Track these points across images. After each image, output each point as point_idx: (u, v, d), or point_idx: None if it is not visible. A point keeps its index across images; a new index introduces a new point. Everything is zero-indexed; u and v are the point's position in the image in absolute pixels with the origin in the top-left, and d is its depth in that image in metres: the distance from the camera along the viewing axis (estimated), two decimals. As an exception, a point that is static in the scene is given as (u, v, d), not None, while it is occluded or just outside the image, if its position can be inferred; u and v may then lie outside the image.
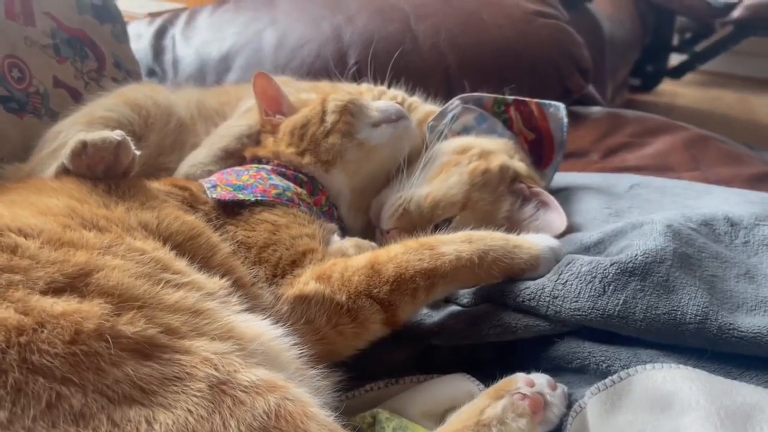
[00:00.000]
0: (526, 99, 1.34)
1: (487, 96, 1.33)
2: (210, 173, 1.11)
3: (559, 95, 1.78)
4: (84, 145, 0.89)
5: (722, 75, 4.79)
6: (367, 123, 1.14)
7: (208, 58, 1.86)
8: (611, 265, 0.86)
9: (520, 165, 1.19)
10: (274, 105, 1.19)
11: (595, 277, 0.86)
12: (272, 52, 1.79)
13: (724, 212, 1.07)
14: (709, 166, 1.48)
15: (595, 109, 1.84)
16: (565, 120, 1.32)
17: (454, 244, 0.90)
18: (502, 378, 0.83)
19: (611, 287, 0.85)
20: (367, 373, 0.91)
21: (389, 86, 1.46)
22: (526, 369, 0.88)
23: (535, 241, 0.95)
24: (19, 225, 0.73)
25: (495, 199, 1.14)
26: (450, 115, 1.28)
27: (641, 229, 0.97)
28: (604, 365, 0.83)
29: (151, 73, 1.92)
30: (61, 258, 0.69)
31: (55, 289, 0.66)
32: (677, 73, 4.47)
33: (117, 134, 0.91)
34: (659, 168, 1.48)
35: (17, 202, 0.80)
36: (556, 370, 0.88)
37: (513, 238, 0.94)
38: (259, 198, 0.98)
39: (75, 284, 0.67)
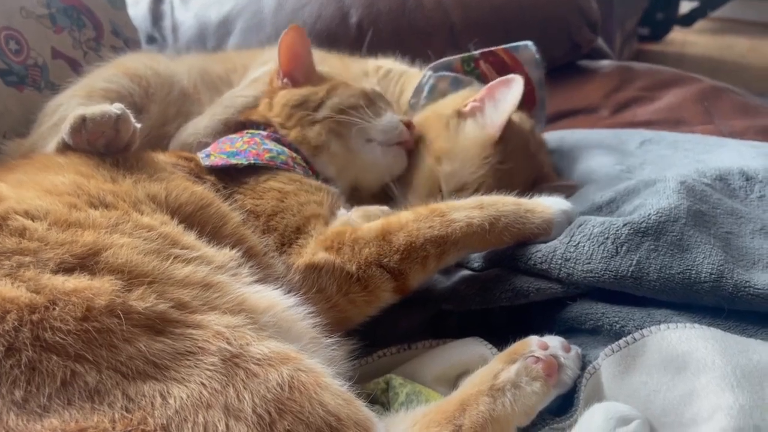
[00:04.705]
0: (492, 48, 1.31)
1: (454, 58, 1.31)
2: (206, 145, 1.08)
3: (568, 50, 1.74)
4: (83, 120, 0.87)
5: (733, 21, 4.65)
6: (362, 136, 1.09)
7: (208, 22, 1.82)
8: (624, 225, 0.85)
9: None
10: (291, 65, 1.14)
11: (607, 238, 0.85)
12: (272, 15, 1.74)
13: (739, 166, 1.05)
14: (723, 119, 1.44)
15: (605, 63, 1.79)
16: (537, 56, 1.30)
17: (465, 210, 0.89)
18: (515, 341, 0.83)
19: (624, 248, 0.84)
20: (379, 340, 0.91)
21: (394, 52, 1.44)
22: (539, 331, 0.88)
23: (547, 204, 0.93)
24: (26, 207, 0.72)
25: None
26: (426, 89, 1.26)
27: (654, 187, 0.95)
28: (618, 326, 0.82)
29: (151, 39, 1.88)
30: (69, 239, 0.69)
31: (66, 269, 0.66)
32: (688, 20, 4.36)
33: (116, 108, 0.89)
34: (671, 122, 1.45)
35: (23, 182, 0.79)
36: (570, 331, 0.88)
37: (525, 203, 0.92)
38: (252, 162, 0.97)
39: (85, 263, 0.67)
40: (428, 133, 1.17)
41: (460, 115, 1.17)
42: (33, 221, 0.71)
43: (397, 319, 0.93)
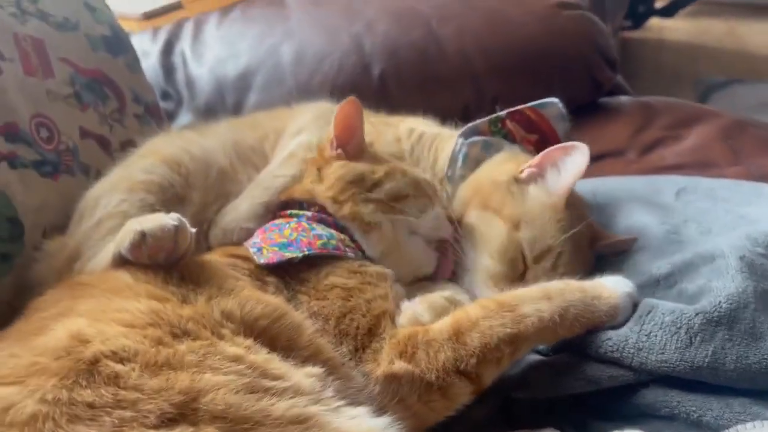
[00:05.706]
0: (518, 107, 1.32)
1: (481, 121, 1.31)
2: (248, 231, 1.07)
3: (589, 89, 1.74)
4: (143, 236, 0.86)
5: (709, 3, 4.69)
6: (407, 227, 1.07)
7: (225, 77, 1.78)
8: (696, 315, 0.86)
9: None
10: (347, 138, 1.11)
11: (680, 327, 0.86)
12: (292, 68, 1.71)
13: (786, 228, 1.06)
14: (750, 158, 1.46)
15: (624, 99, 1.80)
16: (563, 111, 1.32)
17: (533, 302, 0.89)
18: (586, 427, 0.84)
19: (698, 338, 0.85)
20: (454, 433, 0.91)
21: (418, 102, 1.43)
22: (611, 416, 0.89)
23: (611, 288, 0.94)
24: (112, 348, 0.71)
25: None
26: (460, 158, 1.25)
27: (714, 264, 0.96)
28: (695, 415, 0.84)
29: (166, 95, 1.84)
30: (164, 385, 0.68)
31: (167, 421, 0.65)
32: (669, 11, 4.40)
33: (173, 219, 0.88)
34: (700, 164, 1.46)
35: (97, 314, 0.78)
36: (642, 416, 0.89)
37: (590, 289, 0.93)
38: (306, 253, 0.96)
39: (185, 413, 0.66)
40: (489, 202, 1.15)
41: (519, 181, 1.16)
42: (123, 365, 0.70)
43: (471, 411, 0.93)
